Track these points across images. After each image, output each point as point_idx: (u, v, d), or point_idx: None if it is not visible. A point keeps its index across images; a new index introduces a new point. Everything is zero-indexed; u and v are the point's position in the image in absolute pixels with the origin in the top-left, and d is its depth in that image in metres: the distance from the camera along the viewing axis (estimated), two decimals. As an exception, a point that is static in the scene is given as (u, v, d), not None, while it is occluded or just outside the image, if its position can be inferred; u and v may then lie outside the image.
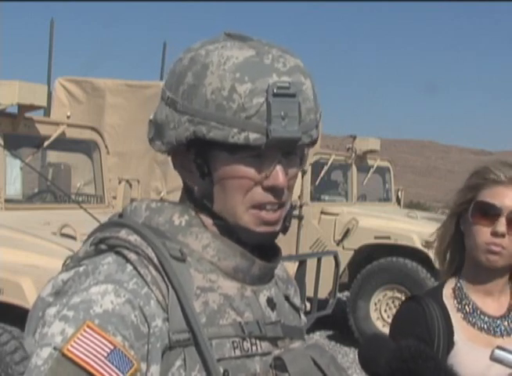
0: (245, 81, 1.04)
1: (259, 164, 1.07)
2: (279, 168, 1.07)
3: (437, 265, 6.90)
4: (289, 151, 1.08)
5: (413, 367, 1.45)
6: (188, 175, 1.12)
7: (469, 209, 1.83)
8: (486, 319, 1.83)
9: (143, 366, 0.99)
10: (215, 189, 1.09)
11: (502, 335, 1.81)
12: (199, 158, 1.09)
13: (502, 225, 1.78)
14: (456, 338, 1.79)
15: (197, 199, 1.12)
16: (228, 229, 1.11)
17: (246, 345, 1.08)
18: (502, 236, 1.78)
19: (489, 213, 1.79)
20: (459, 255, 1.90)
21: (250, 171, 1.07)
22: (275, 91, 1.03)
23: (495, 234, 1.78)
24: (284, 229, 1.14)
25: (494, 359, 1.74)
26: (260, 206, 1.08)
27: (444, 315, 1.81)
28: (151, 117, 1.13)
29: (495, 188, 1.80)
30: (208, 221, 1.12)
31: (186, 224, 1.11)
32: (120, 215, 1.16)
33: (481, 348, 1.77)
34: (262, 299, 1.14)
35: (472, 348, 1.78)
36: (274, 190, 1.08)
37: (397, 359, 1.47)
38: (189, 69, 1.07)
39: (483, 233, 1.80)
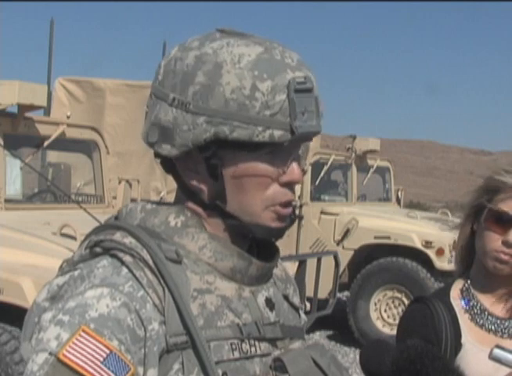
0: (264, 78, 1.03)
1: (274, 160, 1.07)
2: (294, 163, 1.08)
3: (437, 265, 6.88)
4: (297, 145, 1.09)
5: (420, 367, 1.44)
6: (195, 177, 1.10)
7: (483, 212, 1.81)
8: (494, 320, 1.81)
9: (140, 370, 0.98)
10: (229, 189, 1.08)
11: (510, 337, 1.80)
12: (214, 159, 1.07)
13: None
14: (463, 339, 1.78)
15: (205, 200, 1.10)
16: (242, 228, 1.10)
17: (245, 346, 1.07)
18: None
19: (502, 221, 1.77)
20: (469, 256, 1.88)
21: (268, 169, 1.07)
22: (296, 87, 1.04)
23: (505, 243, 1.76)
24: (291, 222, 1.14)
25: (493, 358, 1.73)
26: (279, 203, 1.09)
27: (451, 316, 1.80)
28: (152, 119, 1.10)
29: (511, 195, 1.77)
30: (218, 222, 1.10)
31: (182, 225, 1.09)
32: (116, 218, 1.15)
33: (489, 349, 1.75)
34: (260, 300, 1.13)
35: (480, 350, 1.76)
36: (290, 186, 1.09)
37: (404, 359, 1.46)
38: (197, 68, 1.05)
39: (494, 240, 1.77)
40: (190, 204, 1.12)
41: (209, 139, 1.04)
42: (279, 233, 1.12)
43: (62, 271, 1.08)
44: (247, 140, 1.03)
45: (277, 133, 1.03)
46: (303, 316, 1.27)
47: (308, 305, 6.40)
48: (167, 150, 1.08)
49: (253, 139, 1.03)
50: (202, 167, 1.08)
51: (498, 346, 1.75)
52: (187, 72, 1.06)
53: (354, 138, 9.01)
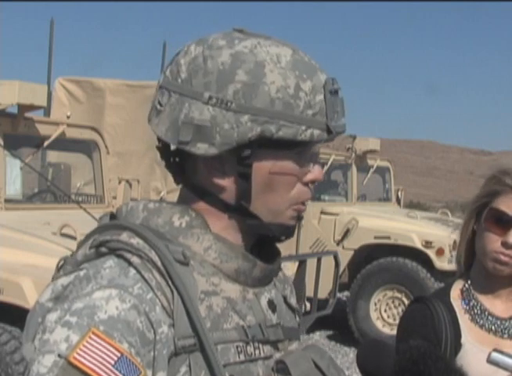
0: (305, 78, 1.06)
1: (299, 159, 1.09)
2: (317, 163, 1.12)
3: (437, 265, 6.89)
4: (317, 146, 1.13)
5: (423, 368, 1.44)
6: (220, 176, 1.08)
7: (483, 213, 1.81)
8: (494, 320, 1.81)
9: (149, 373, 0.97)
10: (256, 189, 1.08)
11: (510, 337, 1.80)
12: (251, 158, 1.06)
13: None
14: (463, 339, 1.78)
15: (226, 200, 1.09)
16: (260, 228, 1.10)
17: (250, 349, 1.06)
18: None
19: (502, 221, 1.77)
20: (469, 257, 1.88)
21: (296, 168, 1.09)
22: (331, 87, 1.07)
23: (505, 244, 1.76)
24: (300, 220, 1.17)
25: (490, 361, 1.74)
26: (302, 202, 1.11)
27: (451, 316, 1.80)
28: (182, 118, 1.06)
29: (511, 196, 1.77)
30: (233, 223, 1.10)
31: (187, 225, 1.08)
32: (113, 216, 1.13)
33: (489, 349, 1.75)
34: (263, 302, 1.13)
35: (479, 350, 1.77)
36: (310, 185, 1.12)
37: (406, 360, 1.46)
38: (236, 67, 1.04)
39: (493, 241, 1.78)
40: (202, 204, 1.10)
41: (254, 137, 1.04)
42: (293, 230, 1.14)
43: (65, 270, 1.07)
44: (291, 139, 1.05)
45: (316, 132, 1.06)
46: (297, 317, 1.27)
47: (308, 305, 6.40)
48: (203, 149, 1.05)
49: (297, 137, 1.05)
50: (230, 166, 1.07)
51: (496, 350, 1.75)
52: (224, 70, 1.05)
53: (354, 138, 9.00)
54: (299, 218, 1.14)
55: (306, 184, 1.11)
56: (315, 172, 1.12)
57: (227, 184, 1.08)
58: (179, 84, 1.07)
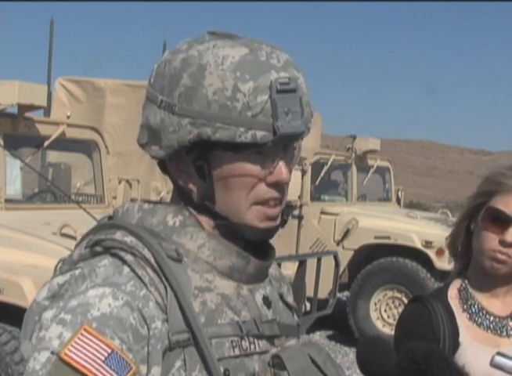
0: (246, 79, 1.04)
1: (262, 160, 1.07)
2: (282, 164, 1.08)
3: (437, 265, 6.90)
4: (288, 145, 1.10)
5: (425, 368, 1.44)
6: (186, 178, 1.11)
7: (480, 212, 1.81)
8: (492, 319, 1.82)
9: (143, 368, 0.98)
10: (217, 189, 1.09)
11: (508, 335, 1.81)
12: (200, 160, 1.08)
13: (510, 235, 1.76)
14: (461, 338, 1.79)
15: (196, 201, 1.11)
16: (232, 228, 1.10)
17: (245, 344, 1.08)
18: (510, 245, 1.76)
19: (499, 220, 1.78)
20: (466, 256, 1.89)
21: (255, 169, 1.07)
22: (278, 87, 1.04)
23: (502, 243, 1.77)
24: (283, 223, 1.15)
25: (494, 365, 1.74)
26: (263, 202, 1.09)
27: (449, 316, 1.80)
28: (143, 121, 1.12)
29: (509, 196, 1.78)
30: (209, 222, 1.11)
31: (180, 224, 1.10)
32: (111, 217, 1.15)
33: (487, 348, 1.76)
34: (258, 298, 1.14)
35: (478, 348, 1.77)
36: (277, 186, 1.09)
37: (409, 360, 1.46)
38: (182, 71, 1.06)
39: (491, 240, 1.78)
40: (183, 205, 1.13)
41: (193, 140, 1.06)
42: (269, 233, 1.12)
43: (61, 270, 1.08)
44: (230, 141, 1.04)
45: (259, 134, 1.04)
46: (295, 316, 1.28)
47: (308, 305, 6.40)
48: (155, 151, 1.10)
49: (235, 139, 1.04)
50: (192, 168, 1.09)
51: (499, 353, 1.75)
52: (174, 74, 1.07)
53: (354, 138, 9.01)
54: (284, 220, 1.13)
55: (272, 185, 1.09)
56: (277, 174, 1.08)
57: (192, 185, 1.11)
58: (148, 88, 1.12)
